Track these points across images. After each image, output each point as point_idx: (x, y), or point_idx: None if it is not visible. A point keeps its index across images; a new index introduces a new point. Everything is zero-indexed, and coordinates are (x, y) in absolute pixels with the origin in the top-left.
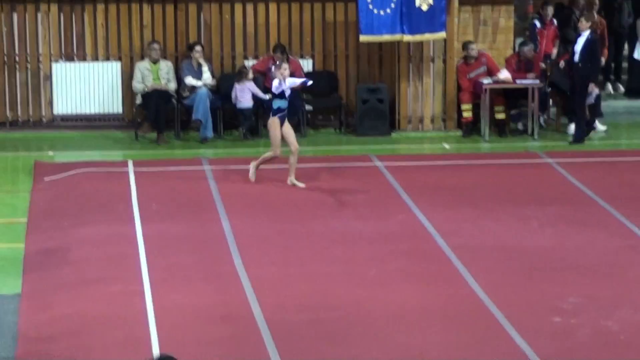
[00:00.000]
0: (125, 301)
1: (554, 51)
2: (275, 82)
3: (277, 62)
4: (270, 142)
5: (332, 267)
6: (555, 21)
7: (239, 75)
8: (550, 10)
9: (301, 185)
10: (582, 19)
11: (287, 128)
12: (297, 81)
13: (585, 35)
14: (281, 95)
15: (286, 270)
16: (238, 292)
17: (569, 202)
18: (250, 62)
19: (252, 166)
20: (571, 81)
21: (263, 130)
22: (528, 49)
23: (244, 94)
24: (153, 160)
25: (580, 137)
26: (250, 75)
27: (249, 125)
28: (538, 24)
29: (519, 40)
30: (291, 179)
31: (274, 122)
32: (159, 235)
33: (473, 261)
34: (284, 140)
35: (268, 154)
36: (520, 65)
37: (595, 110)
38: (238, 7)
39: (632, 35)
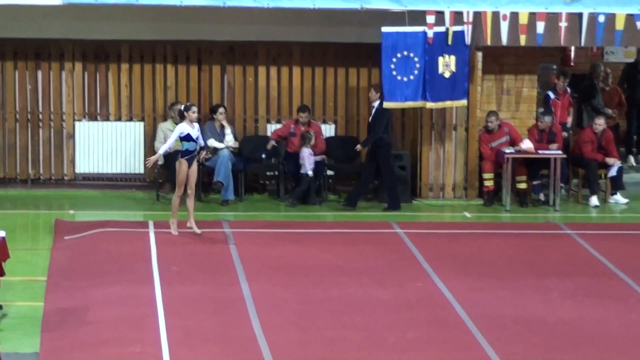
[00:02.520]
0: None
1: (569, 119)
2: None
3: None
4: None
5: (351, 333)
6: (569, 90)
7: (303, 139)
8: (565, 80)
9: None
10: (372, 90)
11: (193, 170)
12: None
13: (375, 105)
14: (187, 138)
15: (304, 335)
16: (256, 356)
17: (589, 274)
18: (277, 125)
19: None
20: None
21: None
22: (548, 120)
23: (308, 159)
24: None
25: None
26: (313, 141)
27: (304, 190)
28: (552, 94)
29: (542, 110)
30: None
31: (180, 163)
32: (178, 297)
33: (492, 331)
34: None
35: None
36: (543, 136)
37: (617, 183)
38: (262, 70)
39: None
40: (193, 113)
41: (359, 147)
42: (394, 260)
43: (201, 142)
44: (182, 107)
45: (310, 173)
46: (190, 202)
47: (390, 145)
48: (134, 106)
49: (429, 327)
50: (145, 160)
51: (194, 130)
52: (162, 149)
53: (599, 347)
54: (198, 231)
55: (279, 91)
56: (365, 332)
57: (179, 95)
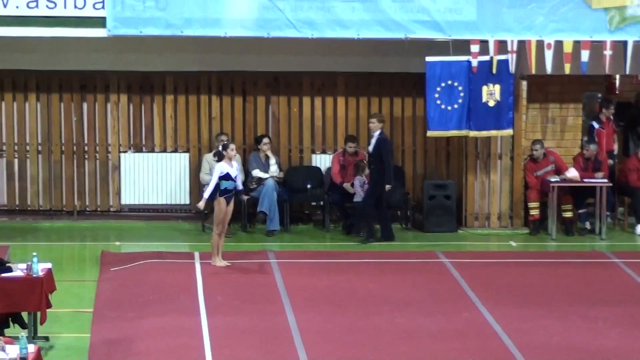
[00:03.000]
0: None
1: (615, 147)
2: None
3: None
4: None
5: None
6: (612, 118)
7: (357, 168)
8: (611, 110)
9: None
10: (374, 120)
11: (230, 208)
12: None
13: (376, 135)
14: (226, 177)
15: None
16: None
17: (637, 303)
18: (322, 156)
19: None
20: None
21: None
22: (593, 148)
23: (361, 188)
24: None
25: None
26: (367, 170)
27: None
28: (596, 124)
29: (587, 139)
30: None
31: (218, 201)
32: (224, 327)
33: None
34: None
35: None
36: (588, 164)
37: None
38: (306, 101)
39: None
40: (232, 151)
41: (388, 187)
42: (440, 290)
43: (239, 182)
44: (220, 146)
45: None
46: (221, 240)
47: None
48: (179, 137)
49: (476, 357)
50: (193, 195)
51: (233, 169)
52: (206, 192)
53: None
54: (227, 263)
55: (323, 121)
56: None
57: (224, 126)
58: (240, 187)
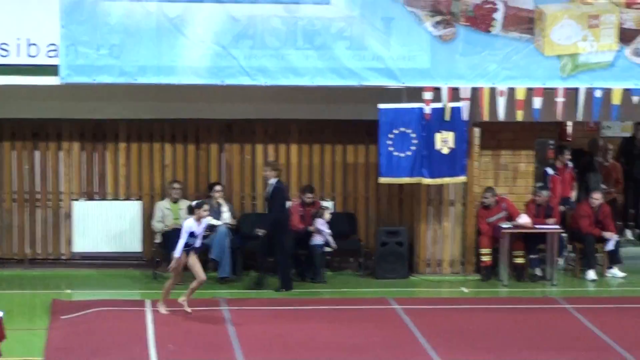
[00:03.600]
0: None
1: (573, 194)
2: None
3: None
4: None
5: None
6: (569, 164)
7: (317, 213)
8: (567, 156)
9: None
10: (268, 168)
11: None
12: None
13: (271, 182)
14: (192, 234)
15: None
16: None
17: (587, 349)
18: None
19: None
20: None
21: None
22: (545, 194)
23: (323, 229)
24: (170, 299)
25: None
26: (328, 215)
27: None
28: (550, 171)
29: (539, 184)
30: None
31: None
32: None
33: None
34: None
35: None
36: (540, 210)
37: (614, 257)
38: (259, 148)
39: None
40: (204, 212)
41: (260, 231)
42: (392, 337)
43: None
44: (194, 204)
45: (323, 243)
46: (195, 284)
47: (287, 224)
48: (131, 185)
49: None
50: (145, 242)
51: (199, 228)
52: (177, 251)
53: None
54: (188, 310)
55: None
56: None
57: (177, 174)
58: (198, 244)
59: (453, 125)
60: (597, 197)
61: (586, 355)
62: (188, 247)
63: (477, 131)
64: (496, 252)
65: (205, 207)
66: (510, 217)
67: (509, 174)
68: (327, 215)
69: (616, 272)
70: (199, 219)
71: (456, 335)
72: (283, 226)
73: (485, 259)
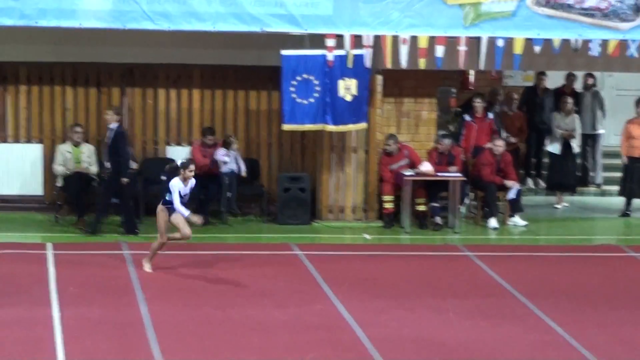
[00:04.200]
0: None
1: (487, 146)
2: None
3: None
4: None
5: (250, 355)
6: (489, 115)
7: (226, 144)
8: (480, 103)
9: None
10: (109, 112)
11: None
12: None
13: (112, 127)
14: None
15: (204, 358)
16: None
17: (488, 296)
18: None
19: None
20: None
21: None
22: (447, 142)
23: (232, 160)
24: (72, 243)
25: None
26: (236, 146)
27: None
28: (467, 117)
29: (441, 132)
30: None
31: (162, 211)
32: (76, 319)
33: (391, 352)
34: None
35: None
36: (442, 158)
37: (516, 205)
38: (161, 93)
39: None
40: (190, 172)
41: (125, 180)
42: (294, 282)
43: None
44: (180, 163)
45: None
46: (159, 249)
47: (128, 167)
48: (32, 128)
49: (328, 349)
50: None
51: (186, 188)
52: (178, 207)
53: None
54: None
55: (178, 114)
56: (264, 354)
57: (78, 117)
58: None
59: (356, 73)
60: (499, 145)
61: (486, 302)
62: (171, 205)
63: (379, 79)
64: (398, 200)
65: (192, 167)
66: (413, 165)
67: (412, 122)
68: (234, 146)
69: (517, 220)
70: (185, 180)
71: (358, 281)
72: (125, 170)
73: (388, 206)
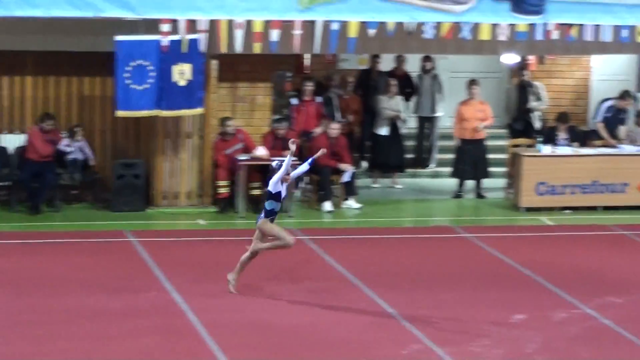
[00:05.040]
0: None
1: (317, 130)
2: (275, 178)
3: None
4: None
5: (82, 343)
6: (317, 99)
7: (72, 134)
8: (309, 87)
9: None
10: None
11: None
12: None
13: None
14: (277, 196)
15: (37, 347)
16: None
17: (321, 279)
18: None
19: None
20: None
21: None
22: (282, 127)
23: (76, 150)
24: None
25: None
26: (80, 135)
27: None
28: (294, 101)
29: (275, 117)
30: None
31: (266, 223)
32: None
33: (225, 337)
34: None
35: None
36: (277, 143)
37: (350, 188)
38: None
39: None
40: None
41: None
42: (128, 269)
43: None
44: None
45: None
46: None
47: None
48: None
49: (161, 335)
50: None
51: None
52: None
53: (331, 351)
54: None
55: (11, 101)
56: (97, 341)
57: None
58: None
59: (190, 58)
60: (334, 127)
61: (320, 285)
62: (274, 215)
63: (214, 63)
64: (233, 184)
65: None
66: (248, 149)
67: (247, 107)
68: (79, 136)
69: (352, 203)
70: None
71: (193, 267)
72: None
73: (222, 190)
